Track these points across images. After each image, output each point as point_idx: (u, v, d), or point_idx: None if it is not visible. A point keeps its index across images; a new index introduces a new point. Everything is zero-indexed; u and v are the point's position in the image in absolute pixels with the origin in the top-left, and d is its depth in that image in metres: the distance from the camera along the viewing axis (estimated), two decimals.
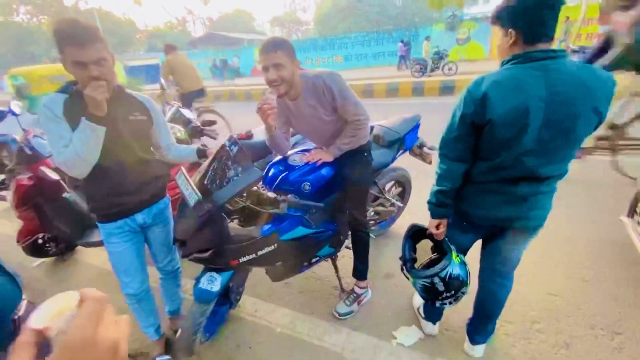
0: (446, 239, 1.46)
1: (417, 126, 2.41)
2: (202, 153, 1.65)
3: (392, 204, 2.48)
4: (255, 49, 15.92)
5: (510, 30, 1.10)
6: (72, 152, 1.24)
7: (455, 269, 1.38)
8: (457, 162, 1.26)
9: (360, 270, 1.98)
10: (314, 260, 1.96)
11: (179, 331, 1.84)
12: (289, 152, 1.89)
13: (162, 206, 1.65)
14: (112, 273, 2.09)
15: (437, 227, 1.41)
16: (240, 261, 1.50)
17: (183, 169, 1.46)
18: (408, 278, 1.52)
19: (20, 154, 2.46)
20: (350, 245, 2.02)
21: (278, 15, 40.75)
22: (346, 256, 2.40)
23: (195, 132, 2.69)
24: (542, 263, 2.25)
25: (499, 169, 1.19)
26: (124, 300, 1.65)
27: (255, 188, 1.59)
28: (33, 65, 12.48)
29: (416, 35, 15.65)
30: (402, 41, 14.10)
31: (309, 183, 1.70)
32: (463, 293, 1.44)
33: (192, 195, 1.32)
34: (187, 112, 2.85)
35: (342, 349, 1.75)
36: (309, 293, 2.18)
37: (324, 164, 1.77)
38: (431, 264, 1.51)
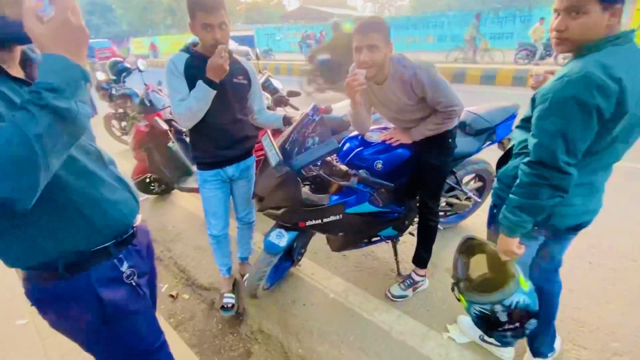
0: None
1: (512, 117, 2.18)
2: (287, 120, 1.77)
3: (468, 198, 2.33)
4: (343, 24, 15.66)
5: (618, 5, 0.94)
6: (186, 107, 1.46)
7: (522, 297, 1.16)
8: (575, 167, 1.02)
9: (422, 258, 1.94)
10: (375, 239, 1.99)
11: (246, 275, 2.08)
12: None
13: (249, 163, 1.84)
14: (198, 216, 2.42)
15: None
16: (307, 224, 1.61)
17: (269, 132, 1.59)
18: (459, 300, 1.33)
19: (140, 105, 2.93)
20: (414, 232, 1.99)
21: None
22: (407, 242, 2.38)
23: (280, 102, 2.86)
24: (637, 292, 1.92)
25: (591, 159, 1.05)
26: (208, 240, 1.93)
27: (329, 159, 1.66)
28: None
29: (529, 17, 13.60)
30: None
31: (382, 162, 1.69)
32: (530, 326, 1.22)
33: (274, 156, 1.44)
34: (275, 82, 3.04)
35: (390, 327, 1.78)
36: (364, 270, 2.24)
37: (401, 145, 1.74)
38: (485, 284, 1.29)
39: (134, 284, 0.86)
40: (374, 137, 1.80)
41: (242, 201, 1.94)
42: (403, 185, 1.82)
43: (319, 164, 1.60)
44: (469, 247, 1.36)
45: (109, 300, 0.79)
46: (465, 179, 2.39)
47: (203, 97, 1.45)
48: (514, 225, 1.11)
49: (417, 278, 1.96)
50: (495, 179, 1.29)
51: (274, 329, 1.88)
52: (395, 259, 2.10)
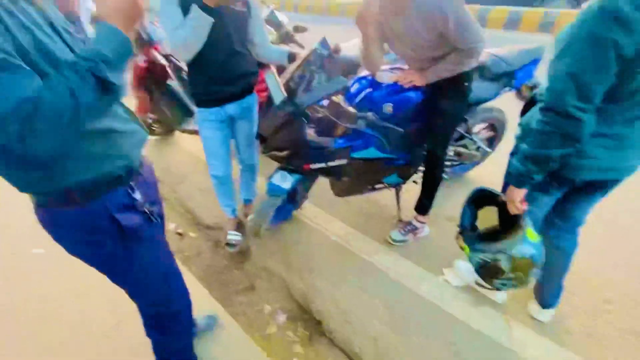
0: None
1: (535, 61, 2.02)
2: (293, 57, 1.64)
3: (478, 148, 2.26)
4: None
5: None
6: (182, 38, 1.35)
7: (528, 249, 1.16)
8: (589, 114, 0.93)
9: (424, 205, 1.95)
10: (378, 185, 1.97)
11: (250, 217, 2.13)
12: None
13: (250, 102, 1.76)
14: (201, 159, 2.39)
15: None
16: (311, 167, 1.58)
17: (273, 68, 1.49)
18: (463, 249, 1.33)
19: (138, 39, 2.75)
20: (418, 181, 1.97)
21: None
22: (411, 191, 2.37)
23: (286, 37, 2.66)
24: (633, 243, 1.95)
25: (616, 107, 0.96)
26: (211, 182, 1.93)
27: (337, 100, 1.57)
28: None
29: None
30: None
31: (392, 105, 1.60)
32: (532, 276, 1.22)
33: (278, 94, 1.36)
34: (281, 16, 2.79)
35: (388, 269, 1.85)
36: (366, 215, 2.27)
37: (414, 87, 1.63)
38: (492, 235, 1.29)
39: (146, 211, 0.87)
40: (386, 78, 1.68)
41: (243, 143, 1.90)
42: (412, 131, 1.75)
43: (325, 104, 1.52)
44: (480, 199, 1.34)
45: (125, 225, 0.81)
46: (477, 127, 2.30)
47: (199, 25, 1.32)
48: (521, 176, 1.07)
49: (417, 224, 1.98)
50: (518, 126, 1.22)
51: (277, 266, 1.96)
52: (398, 206, 2.11)
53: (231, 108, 1.69)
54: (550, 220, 1.35)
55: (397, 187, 2.06)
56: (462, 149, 2.27)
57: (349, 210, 2.31)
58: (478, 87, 1.84)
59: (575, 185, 1.16)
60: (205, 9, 1.29)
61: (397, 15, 1.44)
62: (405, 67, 1.74)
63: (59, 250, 0.85)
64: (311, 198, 2.27)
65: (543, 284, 1.50)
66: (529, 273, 1.20)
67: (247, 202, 2.23)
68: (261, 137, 1.53)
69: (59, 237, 0.82)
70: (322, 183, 2.06)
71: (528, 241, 1.17)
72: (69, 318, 1.59)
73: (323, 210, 2.30)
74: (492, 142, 2.39)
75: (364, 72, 1.79)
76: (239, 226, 2.16)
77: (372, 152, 1.66)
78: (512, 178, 1.11)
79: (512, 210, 1.18)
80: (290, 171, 1.65)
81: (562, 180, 1.15)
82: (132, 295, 0.97)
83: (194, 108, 1.79)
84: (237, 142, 1.90)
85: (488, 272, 1.25)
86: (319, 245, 2.04)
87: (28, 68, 0.58)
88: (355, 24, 1.37)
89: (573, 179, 1.13)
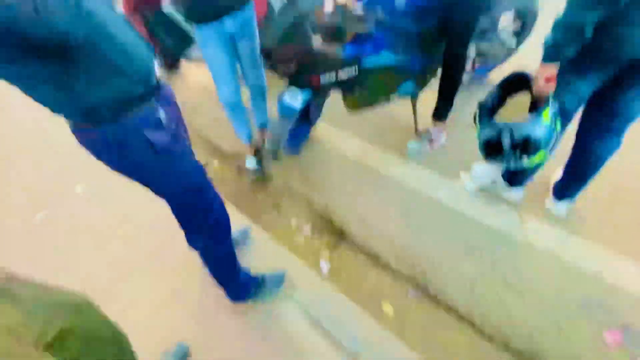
0: (551, 92, 1.14)
1: None
2: None
3: (503, 44, 2.05)
4: None
5: None
6: None
7: (538, 130, 1.09)
8: None
9: (441, 111, 1.88)
10: (393, 95, 1.89)
11: (266, 140, 2.16)
12: None
13: (248, 14, 1.62)
14: (212, 90, 2.36)
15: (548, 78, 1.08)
16: (321, 80, 1.52)
17: None
18: (475, 126, 1.31)
19: None
20: (435, 86, 1.86)
21: None
22: (428, 100, 2.27)
23: None
24: None
25: None
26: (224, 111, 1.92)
27: (343, 2, 1.42)
28: None
29: None
30: None
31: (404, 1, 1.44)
32: (535, 160, 1.18)
33: None
34: None
35: (404, 177, 1.89)
36: (381, 128, 2.24)
37: None
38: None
39: (173, 127, 0.91)
40: None
41: (248, 64, 1.81)
42: (428, 28, 1.59)
43: (331, 6, 1.38)
44: (512, 85, 1.26)
45: (154, 142, 0.86)
46: (503, 18, 2.05)
47: None
48: (550, 48, 0.98)
49: (434, 133, 1.94)
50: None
51: (298, 185, 2.05)
52: (414, 116, 2.05)
53: (230, 24, 1.58)
54: (588, 116, 1.23)
55: (412, 96, 1.97)
56: (484, 46, 2.07)
57: (364, 125, 2.28)
58: None
59: (620, 67, 1.00)
60: None
61: None
62: None
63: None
64: (325, 116, 2.23)
65: (565, 177, 1.49)
66: (530, 153, 1.17)
67: (262, 126, 2.23)
68: (265, 52, 1.46)
69: (99, 156, 0.89)
70: (335, 101, 2.00)
71: (541, 123, 1.10)
72: (118, 241, 1.80)
73: (337, 127, 2.29)
74: (519, 35, 2.15)
75: None
76: (257, 151, 2.21)
77: (384, 56, 1.56)
78: (544, 51, 1.02)
79: (537, 90, 1.09)
80: (300, 87, 1.60)
81: (602, 59, 1.00)
82: (173, 207, 1.08)
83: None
84: (242, 65, 1.81)
85: (490, 149, 1.24)
86: (336, 163, 2.09)
87: None
88: None
89: (617, 56, 0.98)
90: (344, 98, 1.90)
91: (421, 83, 1.87)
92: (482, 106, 1.30)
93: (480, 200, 1.73)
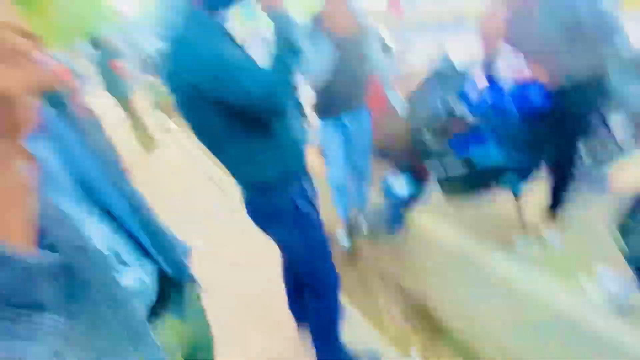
0: None
1: None
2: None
3: (616, 143, 1.96)
4: None
5: None
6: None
7: None
8: None
9: (554, 207, 1.80)
10: (494, 184, 1.89)
11: (362, 217, 2.30)
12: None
13: (364, 113, 1.95)
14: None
15: None
16: (426, 167, 1.66)
17: (390, 82, 1.65)
18: (621, 250, 1.18)
19: None
20: (546, 181, 1.83)
21: None
22: (539, 194, 2.18)
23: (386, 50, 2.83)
24: None
25: None
26: (325, 184, 2.17)
27: (451, 102, 1.63)
28: None
29: None
30: None
31: (513, 101, 1.58)
32: None
33: (397, 102, 1.51)
34: (382, 31, 2.99)
35: (510, 274, 1.74)
36: (483, 219, 2.16)
37: (540, 83, 1.56)
38: None
39: (312, 202, 1.13)
40: (505, 74, 1.66)
41: (358, 150, 2.08)
42: (536, 128, 1.66)
43: (440, 106, 1.60)
44: None
45: (301, 208, 1.09)
46: (615, 119, 2.00)
47: (323, 56, 1.60)
48: None
49: (545, 230, 1.83)
50: None
51: (390, 266, 2.06)
52: (520, 211, 1.98)
53: (347, 119, 1.91)
54: None
55: (517, 189, 1.94)
56: (595, 145, 2.01)
57: (465, 213, 2.25)
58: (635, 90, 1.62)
59: None
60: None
61: (520, 16, 1.45)
62: (526, 61, 1.68)
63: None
64: (424, 203, 2.30)
65: None
66: None
67: (359, 206, 2.40)
68: (377, 141, 1.70)
69: (256, 218, 1.12)
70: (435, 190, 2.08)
71: None
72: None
73: (436, 214, 2.31)
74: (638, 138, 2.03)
75: (479, 72, 1.79)
76: (351, 227, 2.34)
77: (488, 150, 1.65)
78: None
79: None
80: (404, 173, 1.76)
81: None
82: (300, 266, 1.23)
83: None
84: (352, 150, 2.10)
85: None
86: (433, 250, 2.06)
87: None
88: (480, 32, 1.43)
89: None
90: (443, 185, 1.97)
91: (527, 178, 1.86)
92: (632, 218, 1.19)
93: (610, 312, 1.47)
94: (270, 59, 0.90)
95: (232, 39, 0.95)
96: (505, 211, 2.18)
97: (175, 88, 0.91)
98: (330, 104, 1.87)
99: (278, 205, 1.08)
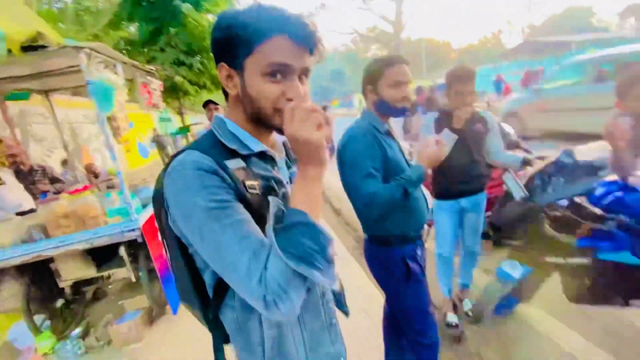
0: None
1: None
2: (527, 162, 1.92)
3: None
4: (588, 51, 12.76)
5: None
6: None
7: None
8: None
9: None
10: (634, 300, 1.70)
11: (465, 301, 2.27)
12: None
13: (481, 198, 2.10)
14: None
15: None
16: (547, 259, 1.67)
17: (511, 170, 1.81)
18: None
19: None
20: None
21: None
22: None
23: (511, 145, 2.94)
24: None
25: None
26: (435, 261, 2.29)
27: (579, 201, 1.67)
28: None
29: None
30: None
31: None
32: None
33: (518, 191, 1.65)
34: (506, 127, 3.15)
35: None
36: (616, 336, 1.90)
37: None
38: None
39: (422, 264, 1.35)
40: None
41: (470, 231, 2.19)
42: None
43: (566, 203, 1.65)
44: None
45: (412, 268, 1.31)
46: None
47: (447, 141, 1.87)
48: None
49: None
50: None
51: (493, 356, 1.94)
52: None
53: (464, 201, 2.08)
54: None
55: None
56: None
57: (590, 324, 2.01)
58: None
59: None
60: (452, 129, 1.85)
61: None
62: None
63: None
64: (540, 301, 2.16)
65: None
66: None
67: (464, 287, 2.40)
68: (494, 227, 1.81)
69: (371, 264, 1.40)
70: (554, 287, 1.98)
71: None
72: None
73: (552, 315, 2.12)
74: None
75: (610, 177, 1.79)
76: (454, 308, 2.32)
77: (625, 257, 1.56)
78: None
79: None
80: (522, 261, 1.78)
81: None
82: (403, 320, 1.41)
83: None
84: (464, 231, 2.22)
85: None
86: (544, 349, 1.89)
87: (377, 175, 1.23)
88: (604, 138, 1.53)
89: None
90: (566, 286, 1.86)
91: None
92: None
93: None
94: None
95: None
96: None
97: None
98: (452, 187, 2.09)
99: (391, 258, 1.32)
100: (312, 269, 0.55)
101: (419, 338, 1.38)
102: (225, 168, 0.61)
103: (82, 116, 8.14)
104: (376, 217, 1.27)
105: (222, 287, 0.66)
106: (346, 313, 0.91)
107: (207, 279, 0.68)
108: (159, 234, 0.73)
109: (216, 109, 3.07)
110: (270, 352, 0.68)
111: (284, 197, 0.67)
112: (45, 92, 3.66)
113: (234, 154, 0.65)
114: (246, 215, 0.60)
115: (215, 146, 0.65)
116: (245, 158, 0.67)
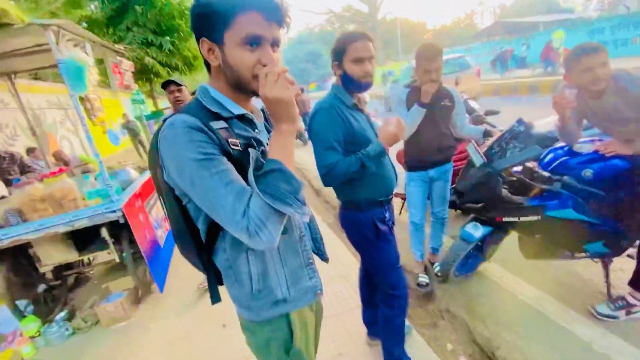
0: None
1: None
2: (487, 133, 2.10)
3: None
4: (554, 32, 13.22)
5: None
6: (408, 123, 2.08)
7: None
8: None
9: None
10: (579, 253, 1.94)
11: (436, 262, 2.48)
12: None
13: (448, 168, 2.28)
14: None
15: None
16: (504, 219, 1.87)
17: (473, 141, 1.98)
18: None
19: None
20: (634, 255, 1.82)
21: None
22: (626, 270, 2.11)
23: (477, 121, 3.14)
24: None
25: None
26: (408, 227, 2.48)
27: (530, 165, 1.86)
28: None
29: None
30: None
31: (592, 170, 1.73)
32: None
33: (478, 159, 1.82)
34: (473, 103, 3.34)
35: (590, 340, 1.73)
36: (563, 285, 2.17)
37: (618, 155, 1.71)
38: None
39: (390, 225, 1.49)
40: (585, 148, 1.84)
41: (438, 199, 2.38)
42: (620, 199, 1.75)
43: (520, 169, 1.84)
44: None
45: (381, 229, 1.44)
46: None
47: (417, 115, 1.99)
48: None
49: (633, 301, 1.78)
50: None
51: (460, 311, 2.18)
52: (606, 281, 1.95)
53: (432, 172, 2.25)
54: None
55: (604, 258, 1.94)
56: None
57: (542, 276, 2.28)
58: None
59: None
60: (420, 104, 1.98)
61: (597, 99, 1.65)
62: (606, 138, 1.84)
63: None
64: (498, 261, 2.41)
65: None
66: None
67: (434, 250, 2.61)
68: (458, 192, 1.99)
69: (345, 227, 1.54)
70: (509, 248, 2.21)
71: None
72: None
73: (511, 272, 2.38)
74: None
75: (559, 144, 2.00)
76: (425, 270, 2.54)
77: (569, 213, 1.78)
78: None
79: None
80: (483, 222, 1.98)
81: None
82: (376, 275, 1.57)
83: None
84: (433, 198, 2.41)
85: None
86: (505, 301, 2.13)
87: (338, 147, 1.34)
88: (552, 108, 1.70)
89: None
90: (522, 244, 2.09)
91: (614, 247, 1.87)
92: None
93: None
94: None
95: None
96: (589, 280, 2.14)
97: None
98: (422, 159, 2.25)
99: (362, 221, 1.46)
100: (286, 206, 0.67)
101: (390, 290, 1.54)
102: (210, 128, 0.70)
103: (46, 102, 7.71)
104: (336, 185, 1.42)
105: (213, 233, 0.77)
106: (325, 259, 1.05)
107: (200, 226, 0.79)
108: (155, 190, 0.82)
109: (179, 89, 2.51)
110: (257, 285, 0.80)
111: (263, 154, 0.77)
112: (8, 75, 3.47)
113: (217, 117, 0.75)
114: (230, 166, 0.70)
115: (201, 110, 0.75)
116: (227, 120, 0.76)
